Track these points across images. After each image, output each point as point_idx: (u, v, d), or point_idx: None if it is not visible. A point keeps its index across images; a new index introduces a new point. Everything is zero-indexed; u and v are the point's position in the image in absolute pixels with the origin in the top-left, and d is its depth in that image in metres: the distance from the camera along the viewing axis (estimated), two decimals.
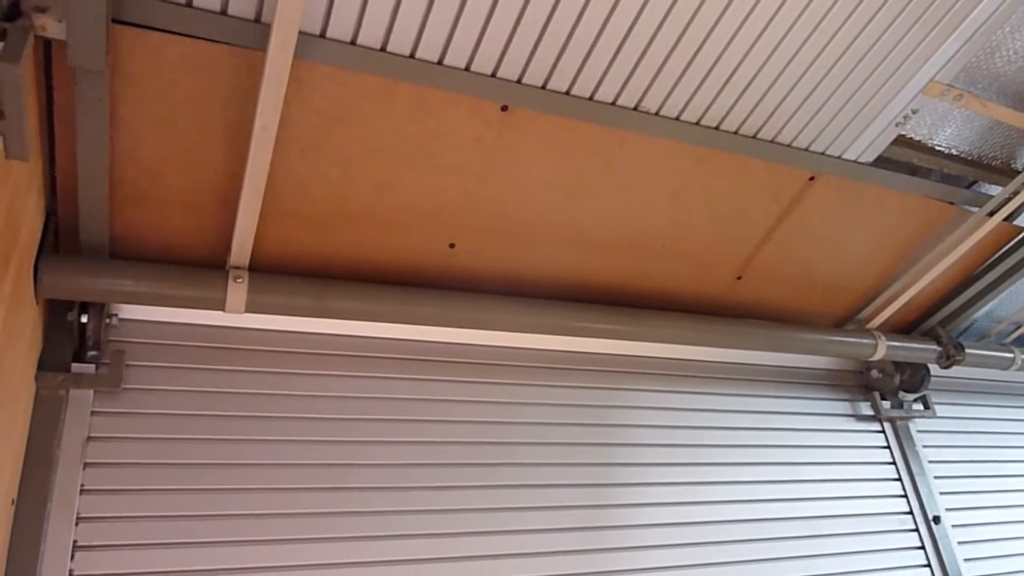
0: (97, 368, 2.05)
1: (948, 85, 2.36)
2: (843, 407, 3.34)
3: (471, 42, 1.91)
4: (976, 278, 3.28)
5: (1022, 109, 2.56)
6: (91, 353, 2.06)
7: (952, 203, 2.88)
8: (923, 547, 3.16)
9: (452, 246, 2.41)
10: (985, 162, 2.83)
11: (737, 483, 2.88)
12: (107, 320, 2.08)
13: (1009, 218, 3.00)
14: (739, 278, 2.90)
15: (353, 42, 1.84)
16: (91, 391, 2.03)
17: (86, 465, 1.96)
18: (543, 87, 2.07)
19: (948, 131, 2.65)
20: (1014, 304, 3.73)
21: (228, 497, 2.08)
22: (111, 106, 1.76)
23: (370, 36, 1.84)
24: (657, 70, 2.09)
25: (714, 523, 2.75)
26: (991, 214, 2.85)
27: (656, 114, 2.22)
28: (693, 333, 2.75)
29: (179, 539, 1.99)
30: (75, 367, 2.03)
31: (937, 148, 2.72)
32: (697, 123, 2.29)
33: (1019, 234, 3.14)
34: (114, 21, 1.62)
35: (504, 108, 2.08)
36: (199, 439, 2.11)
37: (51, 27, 1.51)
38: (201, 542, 2.01)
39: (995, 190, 2.90)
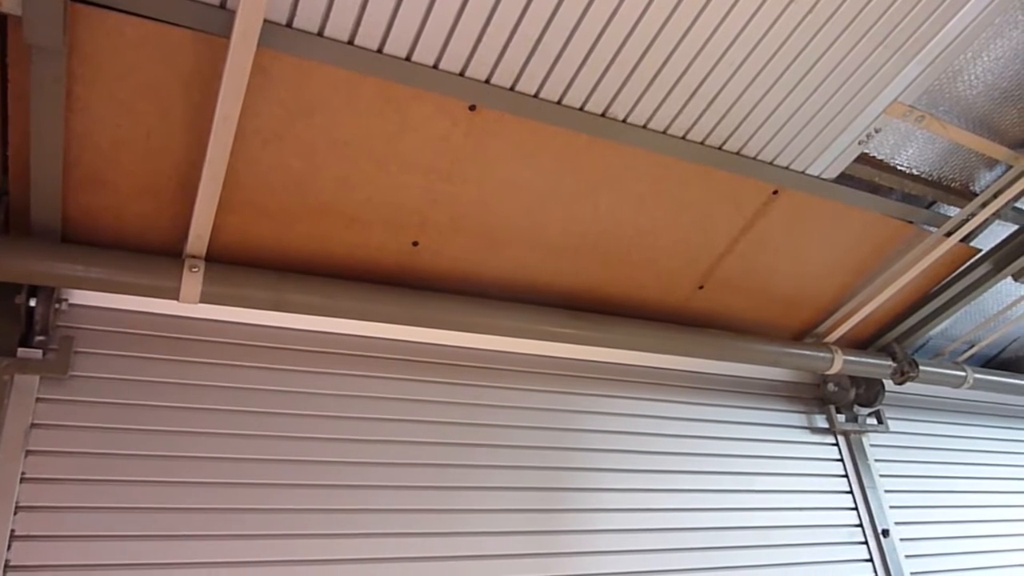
0: (44, 354, 2.01)
1: (910, 107, 2.40)
2: (798, 419, 3.38)
3: (440, 39, 1.90)
4: (932, 297, 3.34)
5: (981, 133, 2.62)
6: (39, 338, 2.02)
7: (911, 222, 2.93)
8: (871, 559, 3.21)
9: (415, 244, 2.39)
10: (944, 183, 2.89)
11: (691, 491, 2.90)
12: (57, 305, 2.04)
13: (966, 239, 3.07)
14: (701, 287, 2.92)
15: (320, 33, 1.82)
16: (37, 377, 1.99)
17: (28, 453, 1.92)
18: (511, 88, 2.07)
19: (910, 151, 2.70)
20: (968, 323, 3.82)
21: (173, 490, 2.05)
22: (68, 86, 1.72)
23: (338, 28, 1.82)
24: (625, 78, 2.10)
25: (667, 530, 2.76)
26: (949, 234, 2.91)
27: (623, 121, 2.23)
28: (653, 340, 2.76)
29: (120, 532, 1.95)
30: (21, 352, 1.98)
31: (898, 168, 2.76)
32: (664, 132, 2.30)
33: (975, 255, 3.20)
34: None
35: (472, 107, 2.07)
36: (146, 430, 2.07)
37: (6, 2, 1.48)
38: (142, 535, 1.97)
39: (953, 211, 2.96)
